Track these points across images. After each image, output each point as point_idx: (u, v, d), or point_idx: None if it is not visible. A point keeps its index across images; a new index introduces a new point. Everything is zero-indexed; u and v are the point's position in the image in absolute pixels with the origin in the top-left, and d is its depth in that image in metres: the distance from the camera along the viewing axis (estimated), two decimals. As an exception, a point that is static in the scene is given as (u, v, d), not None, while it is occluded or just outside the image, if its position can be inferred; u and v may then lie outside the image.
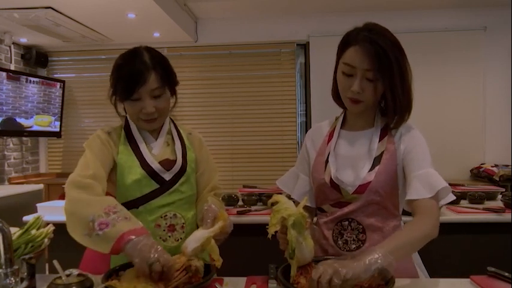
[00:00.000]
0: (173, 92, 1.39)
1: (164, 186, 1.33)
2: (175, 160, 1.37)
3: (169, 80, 1.34)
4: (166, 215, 1.33)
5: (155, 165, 1.32)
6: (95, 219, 1.07)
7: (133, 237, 1.03)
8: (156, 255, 1.00)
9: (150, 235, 1.09)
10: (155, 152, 1.36)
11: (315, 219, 1.38)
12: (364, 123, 1.29)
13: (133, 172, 1.31)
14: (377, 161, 1.21)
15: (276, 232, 1.06)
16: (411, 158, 1.20)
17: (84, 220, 1.08)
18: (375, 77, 1.16)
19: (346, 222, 1.24)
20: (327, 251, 1.26)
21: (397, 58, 1.15)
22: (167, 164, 1.35)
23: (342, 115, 1.35)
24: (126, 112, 1.39)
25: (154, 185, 1.32)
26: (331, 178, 1.23)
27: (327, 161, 1.27)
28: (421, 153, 1.20)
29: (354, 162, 1.24)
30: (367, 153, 1.24)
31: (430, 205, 1.12)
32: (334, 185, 1.23)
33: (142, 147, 1.35)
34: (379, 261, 0.94)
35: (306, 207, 1.09)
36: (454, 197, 1.25)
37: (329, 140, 1.31)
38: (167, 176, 1.34)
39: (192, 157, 1.42)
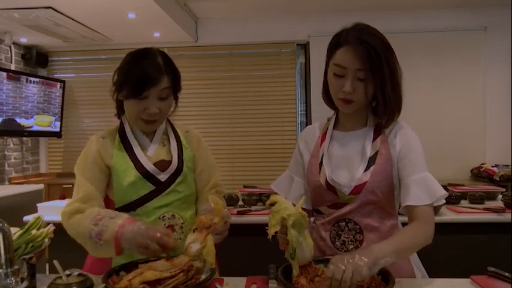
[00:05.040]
0: (175, 97, 1.40)
1: (160, 187, 1.33)
2: (171, 161, 1.36)
3: (176, 85, 1.35)
4: (164, 216, 1.33)
5: (149, 167, 1.32)
6: (91, 234, 1.17)
7: (122, 231, 1.13)
8: (146, 239, 1.09)
9: (134, 221, 1.16)
10: (150, 153, 1.36)
11: (311, 219, 1.37)
12: (356, 123, 1.29)
13: (128, 175, 1.31)
14: (372, 161, 1.21)
15: (275, 233, 1.06)
16: (408, 160, 1.20)
17: (85, 239, 1.19)
18: (366, 76, 1.16)
19: (344, 223, 1.24)
20: (325, 252, 1.25)
21: (386, 57, 1.15)
22: (162, 165, 1.35)
23: (334, 116, 1.35)
24: (124, 112, 1.38)
25: (150, 187, 1.32)
26: (326, 180, 1.23)
27: (321, 163, 1.27)
28: (417, 156, 1.21)
29: (348, 162, 1.24)
30: (361, 153, 1.24)
31: (429, 213, 1.16)
32: (330, 187, 1.23)
33: (137, 149, 1.35)
34: (385, 259, 0.97)
35: (302, 209, 1.09)
36: (445, 201, 1.30)
37: (322, 142, 1.31)
38: (163, 177, 1.33)
39: (189, 156, 1.42)
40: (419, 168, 1.19)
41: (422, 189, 1.16)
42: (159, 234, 1.10)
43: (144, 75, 1.26)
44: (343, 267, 0.92)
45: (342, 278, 0.91)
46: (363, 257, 0.95)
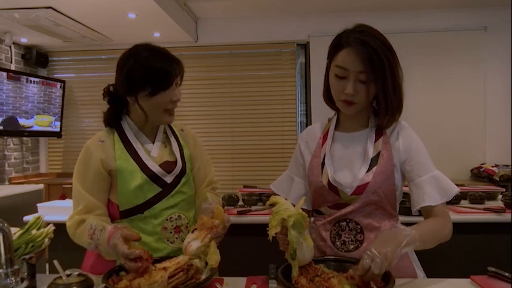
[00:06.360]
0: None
1: (167, 189, 1.32)
2: (175, 162, 1.36)
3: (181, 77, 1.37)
4: (171, 217, 1.33)
5: (156, 169, 1.31)
6: (91, 247, 1.23)
7: (109, 244, 1.13)
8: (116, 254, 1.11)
9: (115, 232, 1.13)
10: (154, 154, 1.35)
11: (311, 219, 1.37)
12: (358, 124, 1.29)
13: (134, 178, 1.28)
14: (374, 161, 1.21)
15: (276, 233, 1.06)
16: (415, 161, 1.21)
17: (91, 249, 1.24)
18: (368, 78, 1.16)
19: (344, 223, 1.24)
20: (325, 252, 1.25)
21: (388, 59, 1.15)
22: (168, 166, 1.34)
23: (335, 117, 1.35)
24: (123, 113, 1.36)
25: (157, 189, 1.31)
26: (329, 180, 1.23)
27: (323, 164, 1.27)
28: (423, 156, 1.22)
29: (350, 163, 1.24)
30: (363, 154, 1.24)
31: (445, 210, 1.20)
32: (332, 187, 1.23)
33: (140, 150, 1.32)
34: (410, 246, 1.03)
35: (301, 210, 1.09)
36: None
37: (323, 142, 1.31)
38: (169, 179, 1.33)
39: (188, 155, 1.42)
40: (428, 168, 1.21)
41: (435, 188, 1.18)
42: (121, 251, 1.08)
43: (170, 65, 1.28)
44: (379, 261, 0.94)
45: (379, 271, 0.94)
46: (389, 247, 0.98)
